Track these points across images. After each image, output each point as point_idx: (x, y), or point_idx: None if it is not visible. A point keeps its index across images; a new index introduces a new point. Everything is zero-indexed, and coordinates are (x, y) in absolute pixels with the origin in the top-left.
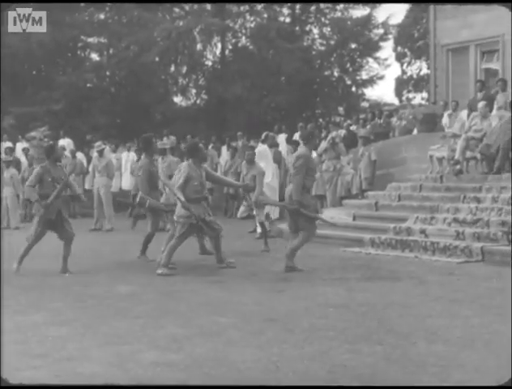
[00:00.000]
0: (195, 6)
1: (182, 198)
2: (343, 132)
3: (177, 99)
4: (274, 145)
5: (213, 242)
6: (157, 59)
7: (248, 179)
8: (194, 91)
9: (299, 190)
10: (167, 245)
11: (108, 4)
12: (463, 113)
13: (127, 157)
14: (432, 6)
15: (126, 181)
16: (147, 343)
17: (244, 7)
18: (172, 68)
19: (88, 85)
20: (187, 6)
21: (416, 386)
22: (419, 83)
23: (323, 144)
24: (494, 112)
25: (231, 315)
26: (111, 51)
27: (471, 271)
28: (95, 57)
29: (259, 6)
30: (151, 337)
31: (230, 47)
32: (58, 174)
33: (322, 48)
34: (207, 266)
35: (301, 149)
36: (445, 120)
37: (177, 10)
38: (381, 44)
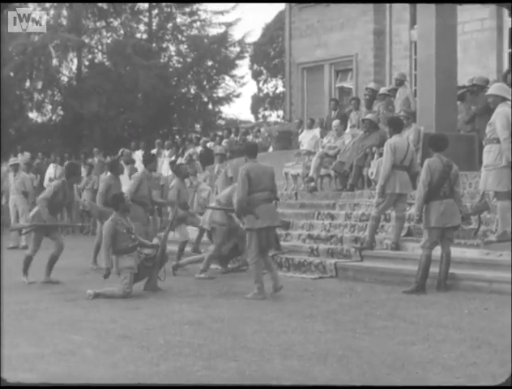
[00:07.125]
0: (51, 21)
1: None
2: (199, 149)
3: (33, 115)
4: (130, 162)
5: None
6: (12, 74)
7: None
8: (49, 106)
9: None
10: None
11: None
12: (317, 131)
13: None
14: (287, 25)
15: None
16: None
17: (100, 23)
18: (28, 83)
19: None
20: (43, 21)
21: (413, 385)
22: (275, 101)
23: (180, 161)
24: (348, 130)
25: (85, 333)
26: None
27: (325, 287)
28: None
29: (116, 23)
30: (3, 357)
31: (86, 63)
32: None
33: (179, 65)
34: (63, 283)
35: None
36: (300, 137)
37: None
38: (238, 62)
